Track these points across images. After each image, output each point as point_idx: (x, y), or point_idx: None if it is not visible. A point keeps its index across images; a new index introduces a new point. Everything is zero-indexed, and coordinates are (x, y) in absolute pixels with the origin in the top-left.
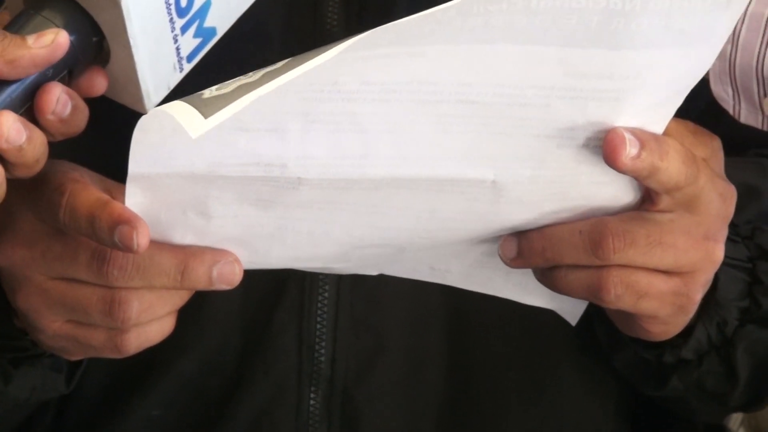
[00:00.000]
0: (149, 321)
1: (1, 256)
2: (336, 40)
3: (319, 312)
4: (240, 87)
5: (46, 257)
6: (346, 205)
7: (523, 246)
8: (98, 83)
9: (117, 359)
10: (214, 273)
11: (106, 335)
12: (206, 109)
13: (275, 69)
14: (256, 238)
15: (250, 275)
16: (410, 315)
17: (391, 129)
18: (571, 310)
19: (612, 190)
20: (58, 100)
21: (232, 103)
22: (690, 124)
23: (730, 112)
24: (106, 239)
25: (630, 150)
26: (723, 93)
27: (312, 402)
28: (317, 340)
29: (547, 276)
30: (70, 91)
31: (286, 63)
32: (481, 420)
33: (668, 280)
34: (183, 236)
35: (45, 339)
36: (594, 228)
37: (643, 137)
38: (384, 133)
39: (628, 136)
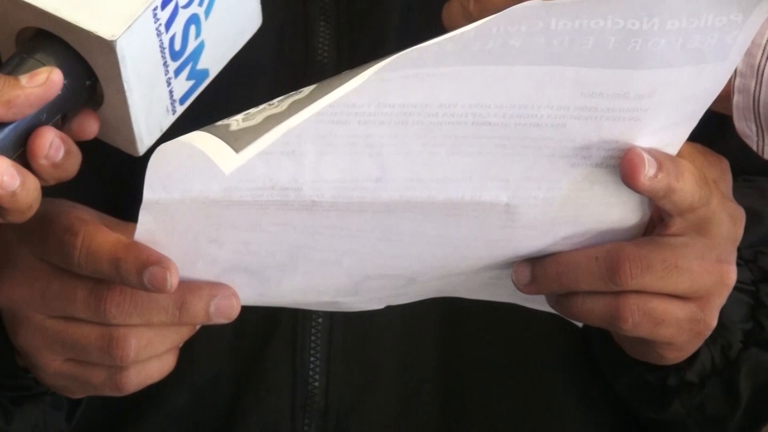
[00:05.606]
0: (149, 358)
1: (1, 296)
2: (327, 72)
3: (312, 345)
4: (268, 118)
5: (44, 296)
6: (358, 231)
7: (538, 272)
8: (90, 126)
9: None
10: (212, 307)
11: (105, 373)
12: (237, 143)
13: (302, 98)
14: (267, 268)
15: (244, 309)
16: (403, 346)
17: (407, 151)
18: None
19: (621, 212)
20: (51, 144)
21: (262, 136)
22: (699, 146)
23: (754, 148)
24: (132, 281)
25: (648, 170)
26: (747, 129)
27: None
28: (311, 372)
29: (562, 304)
30: (63, 135)
31: (313, 90)
32: None
33: (684, 306)
34: (193, 265)
35: (46, 378)
36: (610, 254)
37: (659, 158)
38: (399, 155)
39: (646, 156)
